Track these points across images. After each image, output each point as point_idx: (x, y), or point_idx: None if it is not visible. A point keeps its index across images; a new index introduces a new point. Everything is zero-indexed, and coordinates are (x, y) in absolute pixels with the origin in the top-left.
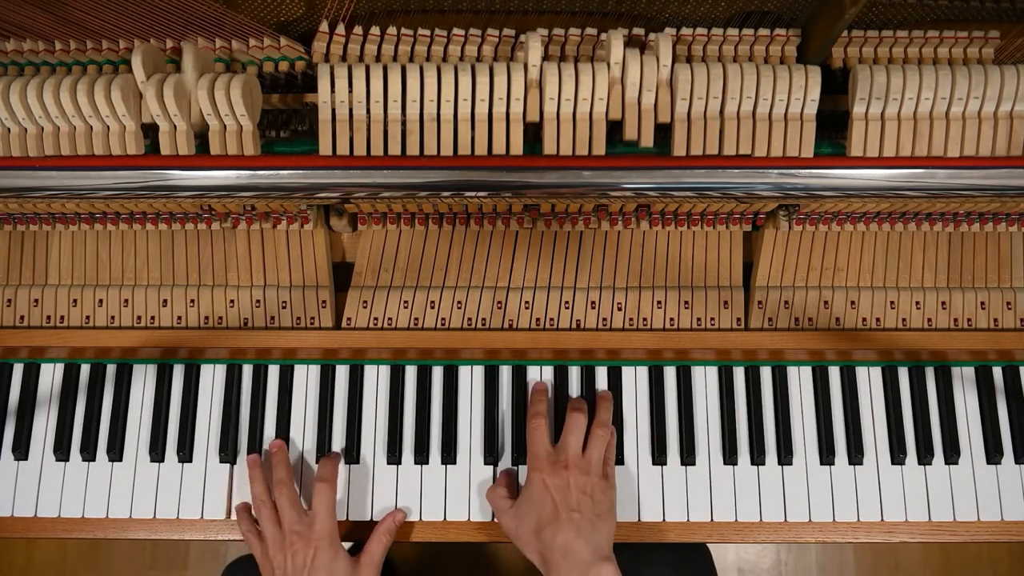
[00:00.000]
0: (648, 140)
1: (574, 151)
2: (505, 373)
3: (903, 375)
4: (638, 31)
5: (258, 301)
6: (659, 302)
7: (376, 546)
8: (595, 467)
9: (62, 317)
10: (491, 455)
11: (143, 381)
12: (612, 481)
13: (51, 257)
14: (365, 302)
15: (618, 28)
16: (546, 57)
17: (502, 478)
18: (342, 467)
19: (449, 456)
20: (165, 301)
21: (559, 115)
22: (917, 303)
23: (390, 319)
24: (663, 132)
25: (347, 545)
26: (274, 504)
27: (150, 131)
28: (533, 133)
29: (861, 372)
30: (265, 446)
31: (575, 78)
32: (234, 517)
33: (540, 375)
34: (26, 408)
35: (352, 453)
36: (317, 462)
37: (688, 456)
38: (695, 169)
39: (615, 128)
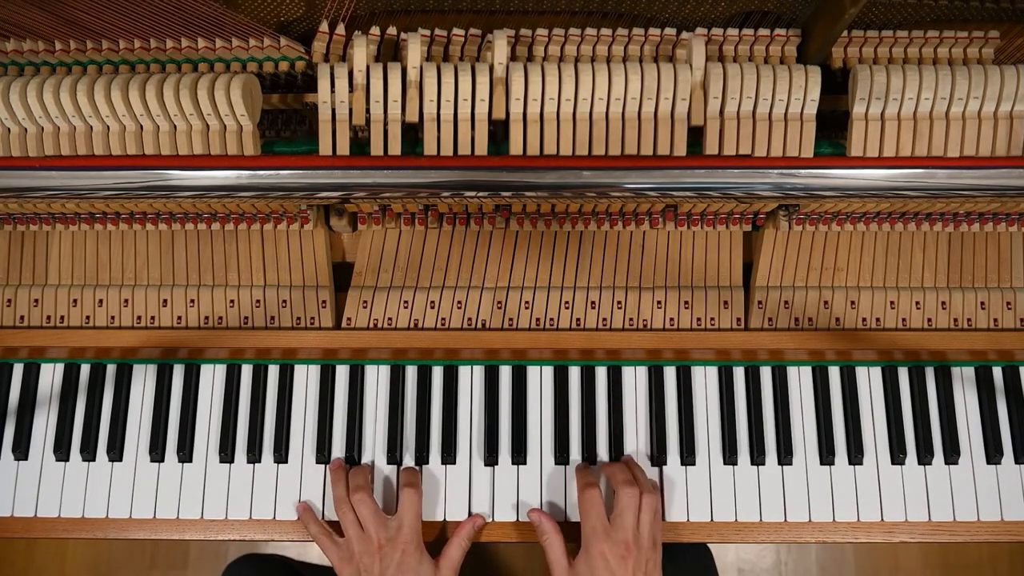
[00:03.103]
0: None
1: (574, 151)
2: (505, 373)
3: (903, 375)
4: (638, 31)
5: (258, 301)
6: (659, 302)
7: (456, 551)
8: (648, 540)
9: (62, 317)
10: (491, 455)
11: (143, 381)
12: (658, 544)
13: (51, 257)
14: (365, 302)
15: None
16: (546, 57)
17: (550, 522)
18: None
19: (449, 456)
20: (165, 301)
21: (559, 115)
22: (917, 303)
23: (390, 319)
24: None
25: None
26: (353, 507)
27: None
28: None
29: (861, 372)
30: (266, 446)
31: (575, 78)
32: (232, 516)
33: (540, 375)
34: (26, 408)
35: (352, 453)
36: (317, 463)
37: (688, 456)
38: (695, 169)
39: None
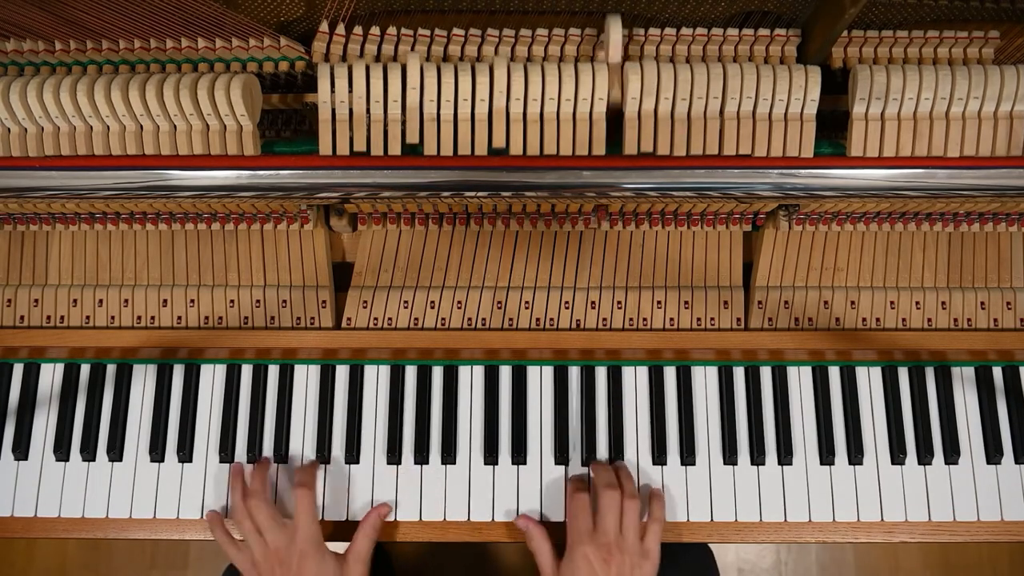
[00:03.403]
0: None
1: (574, 151)
2: (505, 373)
3: (903, 375)
4: (638, 31)
5: (258, 301)
6: (659, 302)
7: (362, 542)
8: (632, 544)
9: (62, 317)
10: (491, 455)
11: (143, 381)
12: (652, 554)
13: (51, 257)
14: (365, 302)
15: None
16: (546, 57)
17: (537, 528)
18: (343, 467)
19: (449, 456)
20: (165, 301)
21: (559, 115)
22: (917, 303)
23: (390, 319)
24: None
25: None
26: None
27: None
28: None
29: (861, 372)
30: (266, 446)
31: (575, 78)
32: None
33: (540, 375)
34: (26, 408)
35: (352, 453)
36: (318, 463)
37: (688, 456)
38: (695, 169)
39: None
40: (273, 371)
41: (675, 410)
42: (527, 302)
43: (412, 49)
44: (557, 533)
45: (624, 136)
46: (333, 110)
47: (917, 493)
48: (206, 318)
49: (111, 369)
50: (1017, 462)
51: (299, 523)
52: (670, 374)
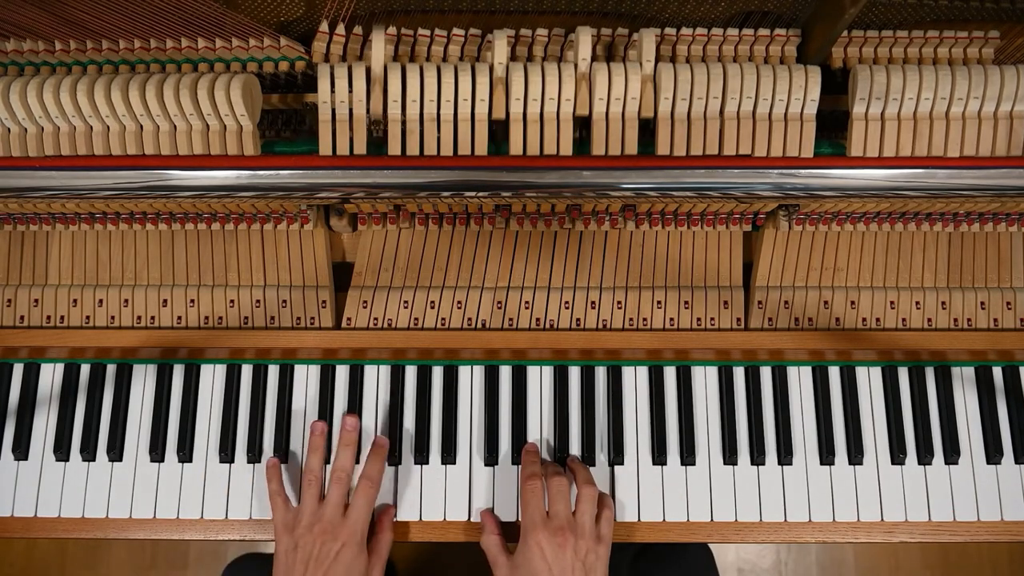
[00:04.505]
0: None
1: (574, 151)
2: (505, 373)
3: (903, 375)
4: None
5: (258, 301)
6: (659, 302)
7: (385, 547)
8: (588, 530)
9: (62, 317)
10: (491, 455)
11: (143, 381)
12: (606, 539)
13: (51, 257)
14: (365, 302)
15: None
16: (546, 57)
17: (490, 523)
18: None
19: (449, 456)
20: (165, 301)
21: (559, 115)
22: (917, 303)
23: (390, 319)
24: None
25: None
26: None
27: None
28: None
29: (861, 372)
30: (266, 446)
31: (574, 78)
32: (232, 516)
33: (540, 375)
34: (26, 408)
35: None
36: None
37: (688, 456)
38: (695, 169)
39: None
40: (273, 371)
41: (675, 410)
42: (527, 302)
43: (412, 49)
44: None
45: (624, 136)
46: (333, 110)
47: (917, 493)
48: (206, 318)
49: (111, 369)
50: (1017, 462)
51: (352, 512)
52: (670, 374)
